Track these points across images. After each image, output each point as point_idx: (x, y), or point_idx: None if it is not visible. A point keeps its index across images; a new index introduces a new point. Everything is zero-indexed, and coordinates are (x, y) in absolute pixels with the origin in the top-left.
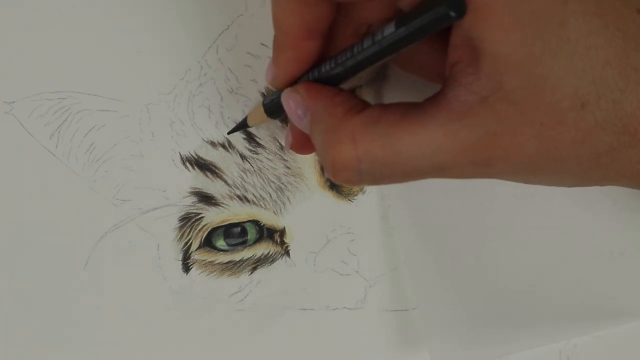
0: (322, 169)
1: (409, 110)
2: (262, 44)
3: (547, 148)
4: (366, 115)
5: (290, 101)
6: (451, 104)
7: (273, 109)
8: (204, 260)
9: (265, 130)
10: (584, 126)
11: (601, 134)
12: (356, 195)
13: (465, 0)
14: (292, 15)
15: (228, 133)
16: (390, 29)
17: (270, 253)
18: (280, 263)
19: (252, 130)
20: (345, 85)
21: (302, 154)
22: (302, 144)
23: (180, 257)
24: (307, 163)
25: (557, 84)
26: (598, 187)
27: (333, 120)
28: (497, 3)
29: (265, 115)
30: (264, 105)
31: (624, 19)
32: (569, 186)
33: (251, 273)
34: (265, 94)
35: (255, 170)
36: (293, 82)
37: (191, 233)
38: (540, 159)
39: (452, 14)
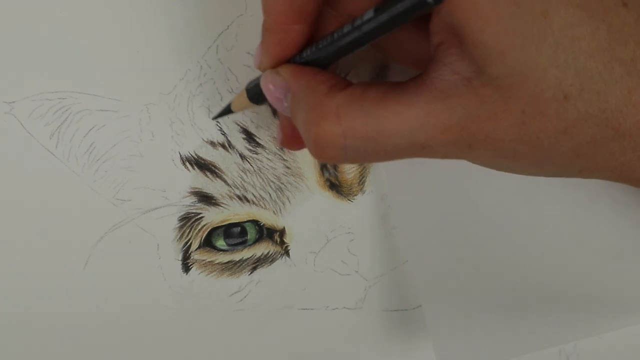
0: (322, 169)
1: (392, 88)
2: None
3: (528, 136)
4: (350, 92)
5: (269, 84)
6: (434, 84)
7: (255, 93)
8: (203, 260)
9: (265, 130)
10: (566, 117)
11: (583, 126)
12: (356, 195)
13: None
14: None
15: (213, 118)
16: (369, 15)
17: (270, 253)
18: (280, 263)
19: (252, 130)
20: None
21: (292, 149)
22: (293, 138)
23: (180, 257)
24: (307, 163)
25: (540, 74)
26: (598, 188)
27: (316, 97)
28: None
29: (248, 100)
30: (246, 89)
31: (608, 11)
32: (548, 176)
33: (251, 273)
34: None
35: (255, 170)
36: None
37: (191, 233)
38: (521, 146)
39: (430, 0)
